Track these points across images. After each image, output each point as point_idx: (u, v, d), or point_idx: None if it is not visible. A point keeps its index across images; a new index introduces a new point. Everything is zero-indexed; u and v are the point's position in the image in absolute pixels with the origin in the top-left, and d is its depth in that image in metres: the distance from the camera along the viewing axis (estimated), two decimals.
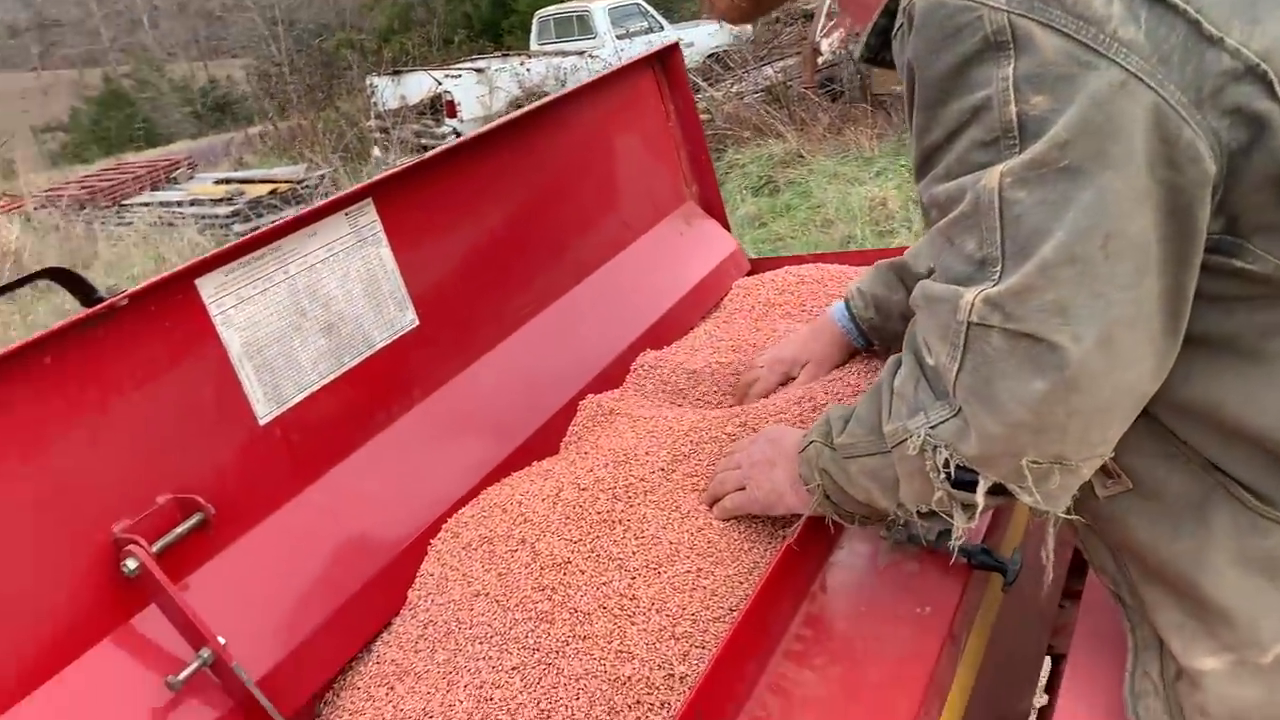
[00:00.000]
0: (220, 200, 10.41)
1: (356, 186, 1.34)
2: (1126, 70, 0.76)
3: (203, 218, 10.06)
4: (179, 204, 10.76)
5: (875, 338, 1.56)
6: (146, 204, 11.20)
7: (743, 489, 1.24)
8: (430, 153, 1.43)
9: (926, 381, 0.91)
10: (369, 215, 1.35)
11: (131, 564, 1.03)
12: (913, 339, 0.94)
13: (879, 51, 1.01)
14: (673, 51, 1.99)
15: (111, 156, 21.76)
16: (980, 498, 0.91)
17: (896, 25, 0.89)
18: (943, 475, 0.91)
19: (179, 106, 32.25)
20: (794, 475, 1.17)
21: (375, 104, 12.73)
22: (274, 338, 1.22)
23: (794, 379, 1.58)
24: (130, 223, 10.42)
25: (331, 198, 1.30)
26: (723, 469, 1.29)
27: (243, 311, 1.19)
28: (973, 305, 0.82)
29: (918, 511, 1.01)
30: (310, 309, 1.27)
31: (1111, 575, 1.04)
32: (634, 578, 1.18)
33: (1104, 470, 0.93)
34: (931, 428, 0.90)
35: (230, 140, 17.19)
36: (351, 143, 12.06)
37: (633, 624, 1.12)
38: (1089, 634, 1.20)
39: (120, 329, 1.07)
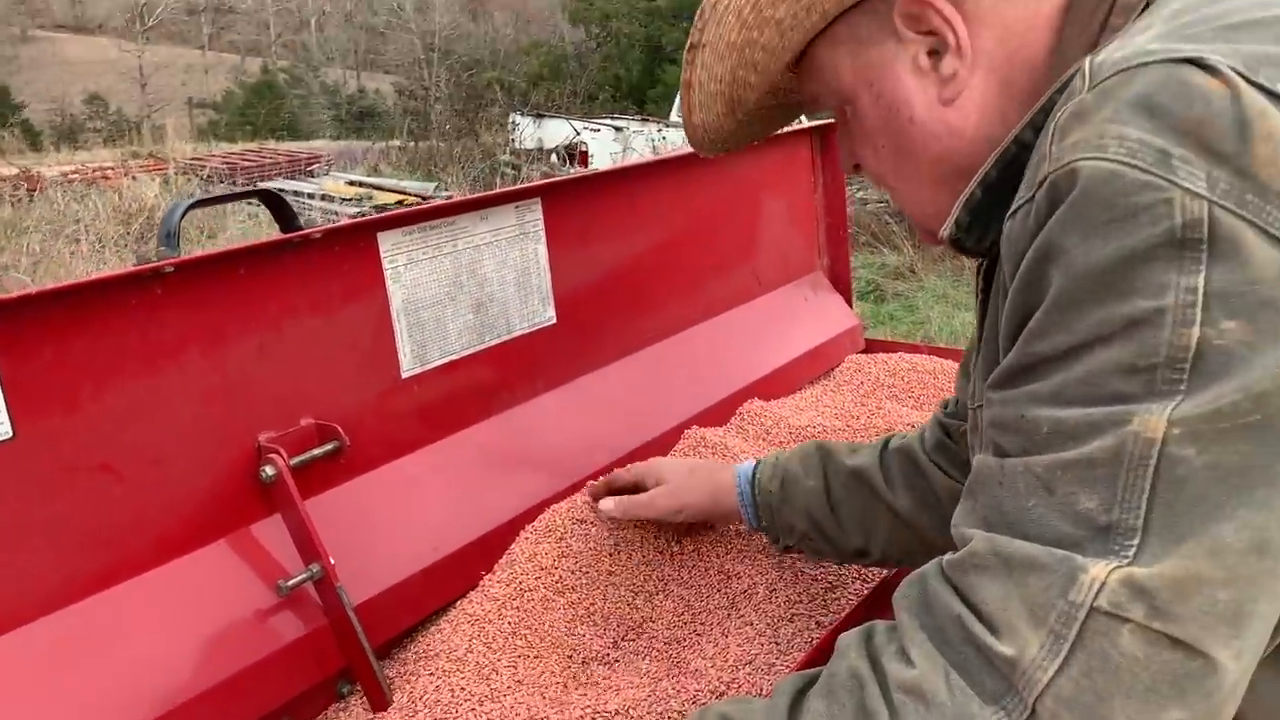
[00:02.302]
0: (349, 200, 10.83)
1: (529, 184, 1.44)
2: None
3: (330, 214, 10.47)
4: (310, 196, 11.21)
5: (764, 519, 1.26)
6: (280, 190, 11.66)
7: None
8: (601, 169, 1.52)
9: (967, 674, 0.65)
10: (535, 213, 1.44)
11: (270, 470, 1.12)
12: (939, 607, 0.68)
13: (967, 230, 0.81)
14: (831, 129, 2.08)
15: (255, 141, 22.76)
16: None
17: (1022, 198, 0.69)
18: None
19: (325, 108, 33.63)
20: None
21: (513, 140, 13.16)
22: (430, 302, 1.31)
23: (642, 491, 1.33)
24: (261, 205, 10.87)
25: (506, 189, 1.40)
26: None
27: (410, 271, 1.28)
28: (1103, 585, 0.60)
29: None
30: (467, 284, 1.36)
31: None
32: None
33: None
34: None
35: (369, 148, 17.89)
36: (483, 173, 12.47)
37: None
38: None
39: (307, 259, 1.17)
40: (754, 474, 1.28)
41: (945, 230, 0.82)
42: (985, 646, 0.64)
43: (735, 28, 0.85)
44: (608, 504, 1.33)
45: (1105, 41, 0.72)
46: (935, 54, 0.80)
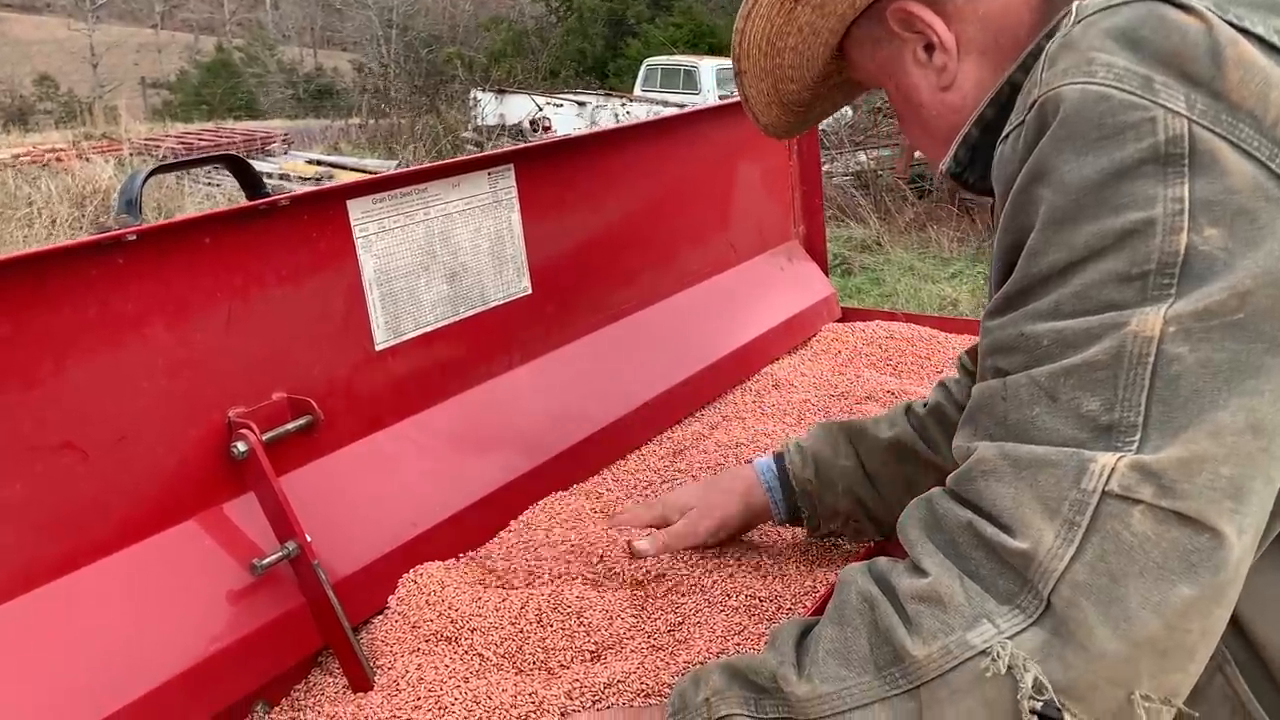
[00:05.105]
0: (309, 179, 10.67)
1: (502, 149, 1.41)
2: None
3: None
4: (268, 175, 11.03)
5: (804, 508, 1.24)
6: None
7: None
8: (574, 134, 1.49)
9: (980, 579, 0.67)
10: (508, 180, 1.41)
11: (241, 446, 1.08)
12: (949, 520, 0.71)
13: (968, 167, 0.89)
14: None
15: (211, 121, 22.39)
16: None
17: (1013, 124, 0.75)
18: (1039, 703, 0.64)
19: (282, 87, 33.13)
20: None
21: (475, 117, 13.03)
22: (403, 272, 1.27)
23: (668, 525, 1.26)
24: (219, 184, 10.69)
25: (479, 154, 1.37)
26: None
27: (382, 240, 1.24)
28: (1112, 471, 0.63)
29: None
30: (440, 254, 1.32)
31: None
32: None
33: None
34: (1009, 638, 0.65)
35: (327, 127, 17.64)
36: (445, 149, 12.34)
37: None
38: None
39: (275, 227, 1.12)
40: (778, 466, 1.25)
41: (943, 165, 0.90)
42: (999, 546, 0.67)
43: (759, 57, 0.99)
44: (644, 544, 1.23)
45: None
46: (930, 48, 0.89)
